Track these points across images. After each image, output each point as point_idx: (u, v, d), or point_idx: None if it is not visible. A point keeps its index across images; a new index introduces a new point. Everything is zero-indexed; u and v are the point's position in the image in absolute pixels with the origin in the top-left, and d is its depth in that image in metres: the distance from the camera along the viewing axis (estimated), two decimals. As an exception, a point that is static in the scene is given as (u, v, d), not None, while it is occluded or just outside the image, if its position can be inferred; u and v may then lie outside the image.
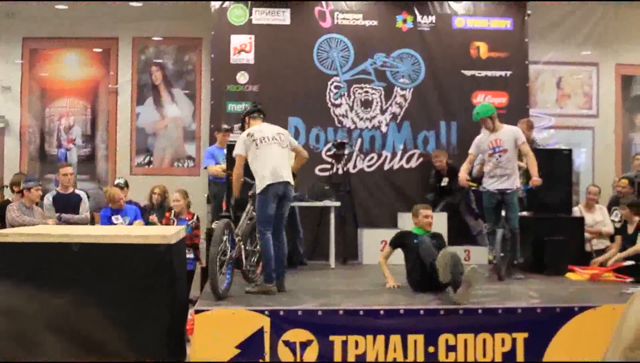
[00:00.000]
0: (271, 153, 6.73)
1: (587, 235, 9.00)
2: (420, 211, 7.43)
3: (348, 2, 10.86)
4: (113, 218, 8.61)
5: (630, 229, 8.69)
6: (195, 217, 9.37)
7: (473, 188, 8.41)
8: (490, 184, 8.09)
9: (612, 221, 9.40)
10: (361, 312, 5.90)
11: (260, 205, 6.73)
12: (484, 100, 10.52)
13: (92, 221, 9.12)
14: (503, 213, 8.05)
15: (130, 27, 10.94)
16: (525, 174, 8.41)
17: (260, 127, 6.93)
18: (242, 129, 7.27)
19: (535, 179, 7.90)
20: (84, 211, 8.74)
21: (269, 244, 6.67)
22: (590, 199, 9.54)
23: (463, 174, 8.23)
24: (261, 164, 6.68)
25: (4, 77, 11.12)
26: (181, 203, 9.28)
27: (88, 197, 9.10)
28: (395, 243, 7.41)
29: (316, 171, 10.48)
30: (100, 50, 11.14)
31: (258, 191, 6.70)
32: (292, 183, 6.84)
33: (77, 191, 8.93)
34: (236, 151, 6.85)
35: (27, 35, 11.12)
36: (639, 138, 12.04)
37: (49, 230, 6.45)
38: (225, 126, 9.89)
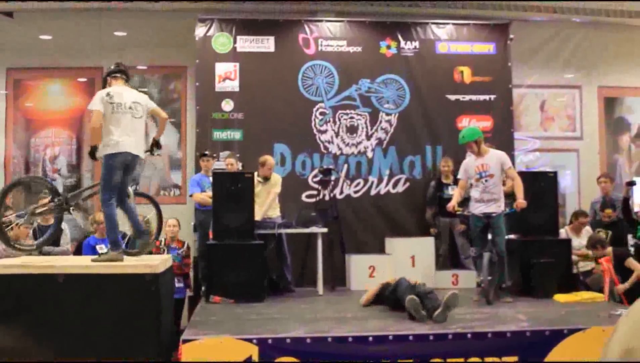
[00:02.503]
0: (124, 122, 6.49)
1: (574, 257, 9.00)
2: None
3: (332, 29, 10.92)
4: (97, 247, 8.54)
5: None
6: (185, 245, 9.37)
7: (459, 213, 8.40)
8: (476, 209, 8.12)
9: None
10: (350, 339, 5.85)
11: (106, 172, 6.47)
12: (468, 124, 10.58)
13: (80, 251, 9.01)
14: (490, 236, 8.06)
15: (114, 56, 10.81)
16: (512, 196, 8.42)
17: (120, 90, 6.68)
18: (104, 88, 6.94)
19: (520, 202, 7.91)
20: (65, 243, 8.66)
21: (114, 211, 6.51)
22: (580, 223, 9.55)
23: (453, 203, 8.22)
24: (110, 130, 6.44)
25: (-12, 108, 11.10)
26: (177, 229, 9.33)
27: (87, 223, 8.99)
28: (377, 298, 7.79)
29: (303, 197, 10.48)
30: (84, 80, 11.13)
31: (104, 154, 6.45)
32: (142, 156, 6.64)
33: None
34: (92, 107, 6.54)
35: (11, 65, 11.11)
36: (623, 159, 12.13)
37: (34, 261, 6.38)
38: (205, 152, 9.87)
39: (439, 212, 10.18)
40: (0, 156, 11.02)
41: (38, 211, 6.65)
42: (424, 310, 6.54)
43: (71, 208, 6.83)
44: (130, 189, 6.95)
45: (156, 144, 6.98)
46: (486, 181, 8.05)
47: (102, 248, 8.44)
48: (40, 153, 11.09)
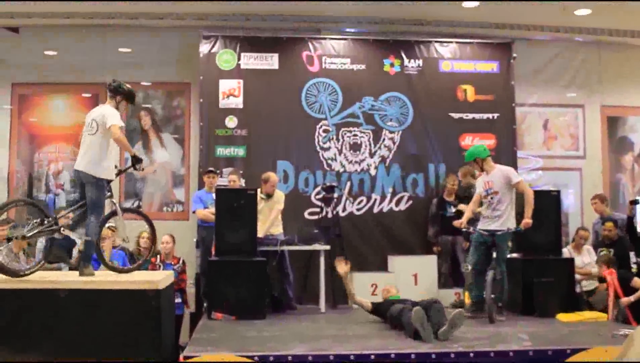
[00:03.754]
0: (82, 140, 6.83)
1: (577, 276, 8.97)
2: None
3: (336, 47, 10.97)
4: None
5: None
6: (181, 261, 9.34)
7: (464, 229, 8.41)
8: (482, 225, 8.18)
9: (599, 262, 9.41)
10: (352, 357, 5.83)
11: None
12: (472, 142, 10.61)
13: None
14: (494, 254, 8.04)
15: (118, 73, 10.88)
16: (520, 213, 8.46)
17: (94, 109, 7.08)
18: None
19: (526, 222, 7.91)
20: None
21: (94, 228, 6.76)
22: (580, 236, 9.54)
23: (463, 220, 8.32)
24: None
25: (-8, 123, 11.15)
26: (170, 246, 9.29)
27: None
28: (374, 311, 7.87)
29: (305, 214, 10.48)
30: (89, 95, 11.16)
31: None
32: (88, 171, 6.68)
33: (72, 237, 8.81)
34: None
35: (16, 81, 11.17)
36: (626, 178, 12.12)
37: (36, 276, 6.37)
38: (210, 168, 9.88)
39: (441, 230, 10.18)
40: (4, 171, 11.05)
41: (29, 234, 6.69)
42: (429, 323, 6.51)
43: (62, 229, 6.84)
44: (117, 206, 6.98)
45: (136, 161, 6.95)
46: (492, 198, 8.12)
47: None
48: (43, 168, 11.13)
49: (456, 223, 8.38)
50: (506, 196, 8.08)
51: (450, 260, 10.17)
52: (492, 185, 8.14)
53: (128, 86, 7.09)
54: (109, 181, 6.84)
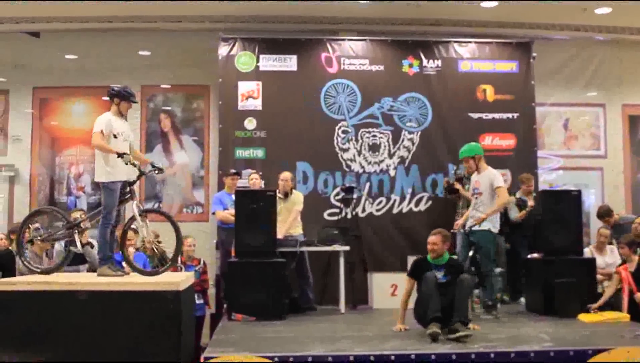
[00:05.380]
0: None
1: (599, 276, 8.90)
2: (428, 238, 7.31)
3: (354, 48, 10.96)
4: (124, 263, 8.54)
5: (631, 267, 8.66)
6: (202, 262, 9.38)
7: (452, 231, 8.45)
8: (467, 226, 8.38)
9: (625, 262, 9.32)
10: (372, 358, 5.82)
11: None
12: (492, 142, 10.60)
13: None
14: (471, 252, 8.23)
15: (138, 76, 11.07)
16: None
17: None
18: None
19: (479, 217, 8.14)
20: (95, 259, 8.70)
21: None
22: (601, 242, 9.46)
23: (460, 222, 8.53)
24: None
25: (14, 127, 11.26)
26: (192, 249, 9.33)
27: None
28: (413, 273, 7.32)
29: (325, 215, 10.48)
30: (108, 98, 11.22)
31: None
32: (97, 179, 7.05)
33: (90, 239, 8.89)
34: None
35: (37, 85, 11.28)
36: (647, 178, 12.02)
37: (56, 278, 6.43)
38: (232, 170, 9.89)
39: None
40: (26, 174, 11.17)
41: (44, 237, 6.92)
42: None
43: (76, 232, 7.02)
44: (136, 209, 7.05)
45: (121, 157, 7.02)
46: (476, 198, 8.32)
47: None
48: (64, 171, 11.23)
49: (456, 225, 8.44)
50: (488, 199, 8.24)
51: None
52: (479, 185, 8.34)
53: (126, 88, 7.44)
54: (129, 184, 6.96)
